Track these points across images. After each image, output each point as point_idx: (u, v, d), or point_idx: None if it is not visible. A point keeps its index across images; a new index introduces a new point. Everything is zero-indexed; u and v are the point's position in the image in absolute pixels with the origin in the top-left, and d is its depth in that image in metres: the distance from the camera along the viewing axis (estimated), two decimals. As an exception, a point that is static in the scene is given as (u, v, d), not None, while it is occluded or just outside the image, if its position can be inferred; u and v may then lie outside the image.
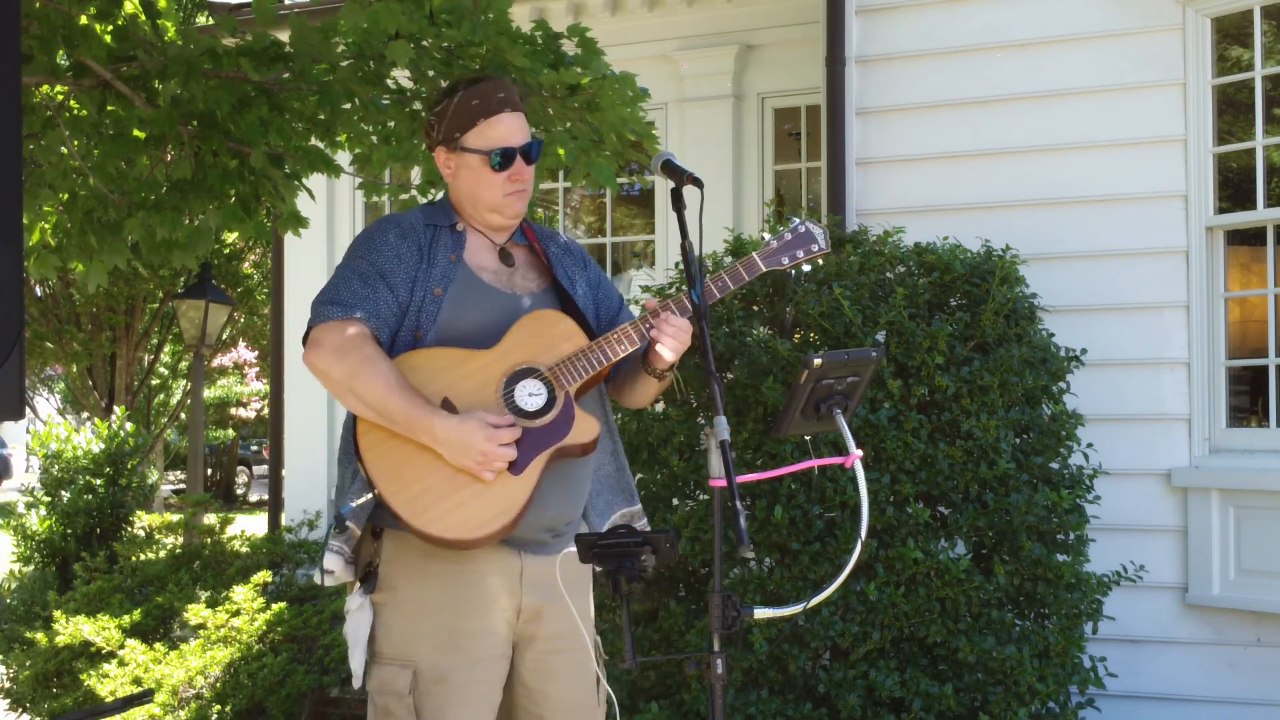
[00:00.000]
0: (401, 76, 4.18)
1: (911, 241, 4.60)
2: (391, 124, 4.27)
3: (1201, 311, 4.97)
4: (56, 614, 5.97)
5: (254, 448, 24.23)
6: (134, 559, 6.72)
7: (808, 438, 3.70)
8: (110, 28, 3.95)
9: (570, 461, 2.54)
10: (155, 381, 17.84)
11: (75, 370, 14.83)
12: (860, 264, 4.43)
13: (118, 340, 14.68)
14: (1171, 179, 5.04)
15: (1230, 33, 5.16)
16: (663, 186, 7.20)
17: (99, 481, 7.77)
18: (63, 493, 7.78)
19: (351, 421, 2.50)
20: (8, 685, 6.16)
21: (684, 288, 4.17)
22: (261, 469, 21.35)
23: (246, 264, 15.64)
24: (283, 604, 5.50)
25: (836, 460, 2.41)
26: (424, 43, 3.96)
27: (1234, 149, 5.09)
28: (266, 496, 9.06)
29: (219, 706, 5.05)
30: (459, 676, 2.47)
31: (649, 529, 2.56)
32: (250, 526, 9.18)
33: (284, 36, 4.02)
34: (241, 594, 5.54)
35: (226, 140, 4.09)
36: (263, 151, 4.07)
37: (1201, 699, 4.94)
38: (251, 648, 5.25)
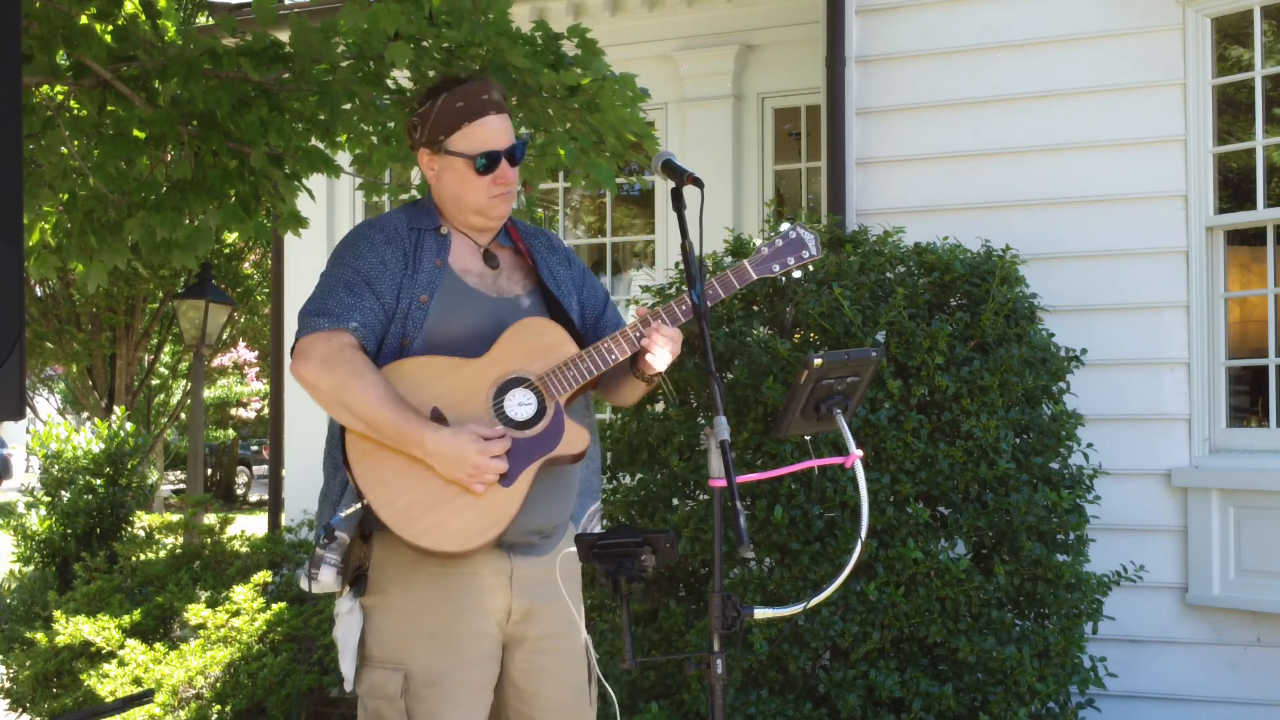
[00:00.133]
0: (401, 77, 4.19)
1: (911, 241, 4.60)
2: (391, 124, 4.27)
3: (1201, 311, 4.97)
4: (56, 614, 5.97)
5: (254, 448, 24.23)
6: (134, 559, 6.72)
7: (808, 438, 3.70)
8: (110, 28, 3.96)
9: (559, 467, 2.54)
10: (155, 381, 17.85)
11: (75, 370, 14.83)
12: (860, 264, 4.43)
13: (118, 340, 14.68)
14: (1171, 179, 5.04)
15: (1230, 33, 5.16)
16: (663, 186, 7.20)
17: (99, 481, 7.77)
18: (63, 493, 7.78)
19: (339, 430, 2.49)
20: (8, 685, 6.16)
21: (684, 288, 4.16)
22: (261, 469, 21.34)
23: (246, 264, 15.64)
24: (283, 604, 5.50)
25: (836, 460, 2.41)
26: (424, 43, 3.96)
27: (1234, 149, 5.09)
28: (266, 496, 9.06)
29: (219, 706, 5.05)
30: (451, 679, 2.46)
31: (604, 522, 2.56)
32: (250, 526, 9.17)
33: (284, 36, 4.02)
34: (241, 594, 5.54)
35: (226, 140, 4.09)
36: (263, 151, 4.07)
37: (1201, 699, 4.94)
38: (251, 648, 5.26)
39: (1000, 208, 5.23)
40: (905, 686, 3.96)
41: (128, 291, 14.06)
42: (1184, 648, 4.98)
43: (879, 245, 4.59)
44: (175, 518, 7.12)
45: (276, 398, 8.07)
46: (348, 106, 4.15)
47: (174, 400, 19.56)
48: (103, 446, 7.91)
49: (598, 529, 2.76)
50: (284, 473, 8.03)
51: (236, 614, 5.46)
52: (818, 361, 2.32)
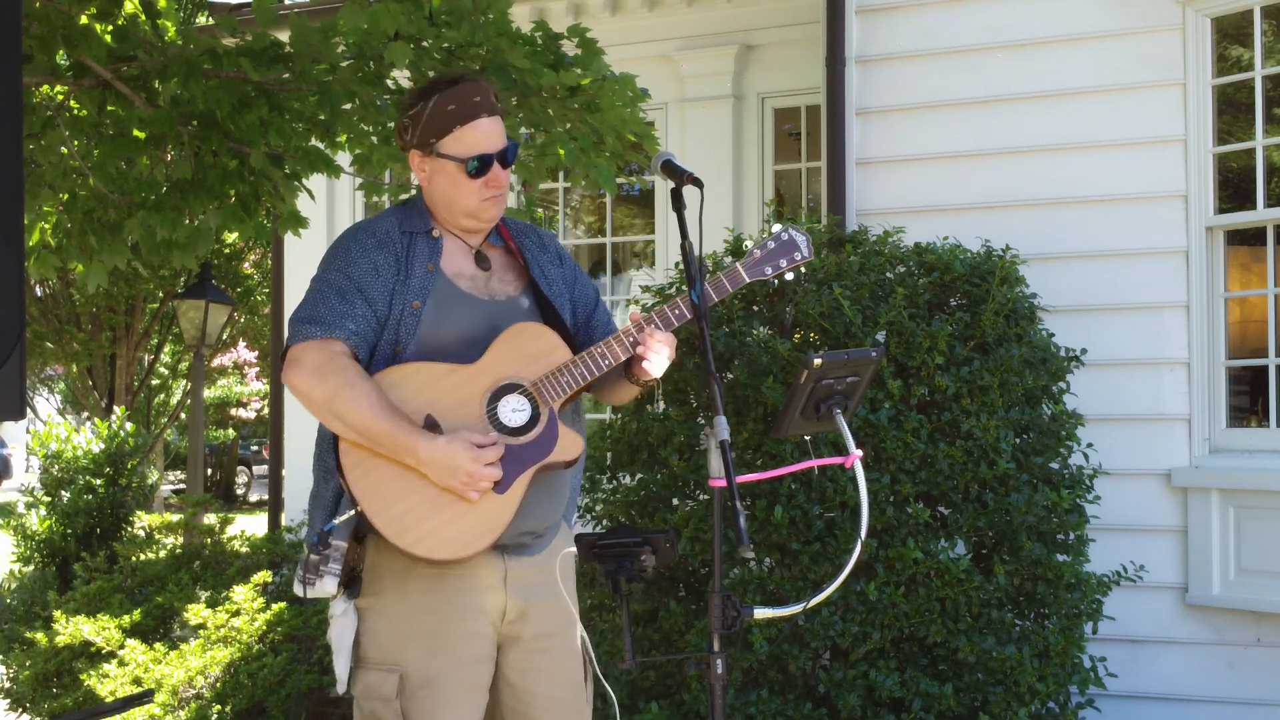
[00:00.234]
0: (401, 77, 4.18)
1: (911, 241, 4.60)
2: (391, 124, 4.26)
3: (1201, 311, 4.97)
4: (56, 614, 5.97)
5: (254, 448, 24.22)
6: (134, 559, 6.72)
7: (808, 438, 3.70)
8: (110, 28, 3.96)
9: (552, 472, 2.55)
10: (155, 381, 17.85)
11: (75, 370, 14.83)
12: (860, 264, 4.43)
13: (118, 340, 14.68)
14: (1171, 179, 5.04)
15: (1230, 33, 5.16)
16: (663, 187, 7.20)
17: (99, 481, 7.78)
18: (63, 493, 7.78)
19: (331, 436, 2.48)
20: (8, 685, 6.16)
21: (684, 287, 4.16)
22: (261, 469, 21.34)
23: (246, 264, 15.64)
24: (283, 604, 5.49)
25: (836, 460, 2.41)
26: (424, 43, 3.96)
27: (1234, 149, 5.08)
28: (266, 496, 9.07)
29: (219, 706, 5.05)
30: (446, 679, 2.47)
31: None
32: (250, 526, 9.17)
33: (284, 36, 4.02)
34: (241, 594, 5.54)
35: (226, 140, 4.09)
36: (263, 152, 4.07)
37: (1201, 699, 4.94)
38: (251, 648, 5.25)
39: (1000, 208, 5.23)
40: (905, 686, 3.96)
41: (128, 291, 14.07)
42: (1184, 648, 4.98)
43: (879, 245, 4.59)
44: (175, 518, 7.12)
45: (276, 398, 8.08)
46: (348, 106, 4.15)
47: (174, 400, 19.57)
48: (103, 446, 7.91)
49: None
50: (284, 473, 8.04)
51: (236, 614, 5.46)
52: (818, 361, 2.32)
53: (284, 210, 4.45)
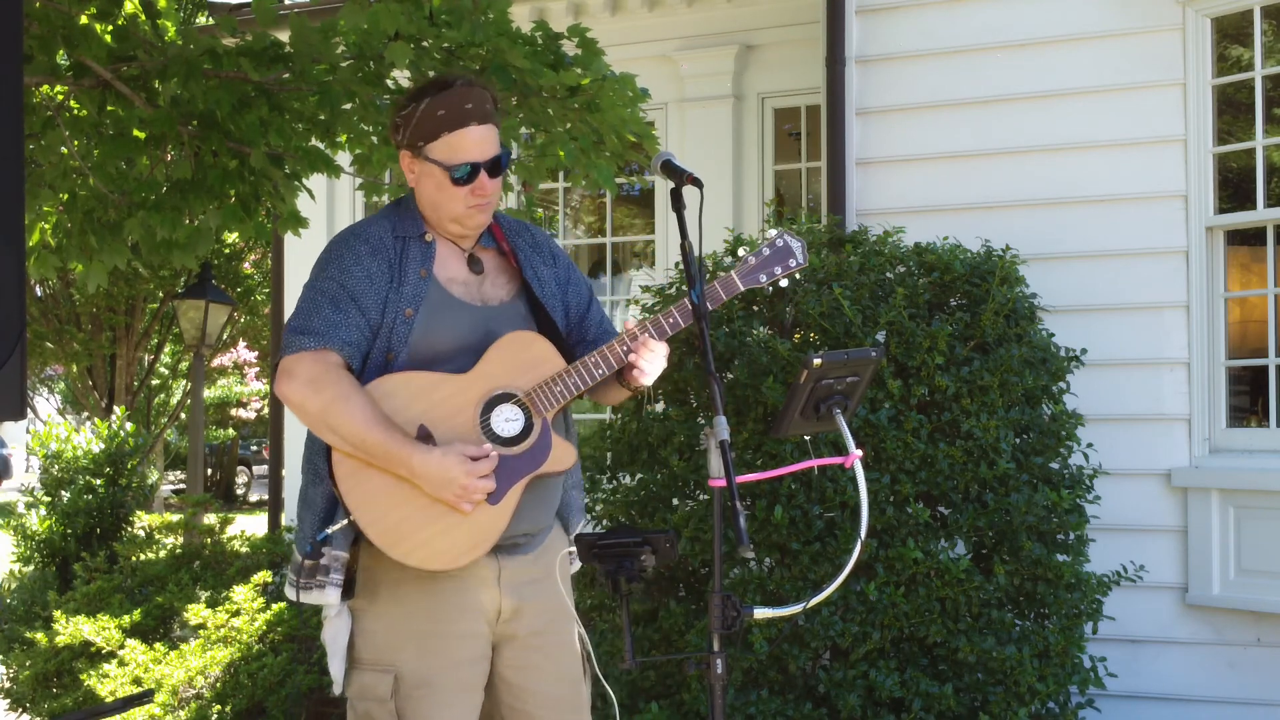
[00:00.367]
0: (401, 77, 4.18)
1: (911, 241, 4.60)
2: (391, 124, 4.26)
3: (1201, 311, 4.97)
4: (56, 614, 5.97)
5: (254, 448, 24.22)
6: (134, 559, 6.72)
7: (808, 438, 3.70)
8: (110, 28, 3.96)
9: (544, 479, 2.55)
10: (155, 381, 17.85)
11: (75, 370, 14.83)
12: (860, 264, 4.43)
13: (118, 340, 14.68)
14: (1171, 179, 5.04)
15: (1230, 33, 5.16)
16: (663, 187, 7.20)
17: (99, 481, 7.77)
18: (63, 493, 7.78)
19: (324, 443, 2.47)
20: (8, 685, 6.16)
21: (683, 288, 4.16)
22: (261, 469, 21.35)
23: (246, 264, 15.64)
24: (283, 604, 5.49)
25: (836, 460, 2.41)
26: (424, 43, 3.96)
27: (1234, 149, 5.08)
28: (266, 496, 9.07)
29: (219, 706, 5.05)
30: (441, 679, 2.47)
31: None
32: (250, 526, 9.18)
33: (284, 36, 4.02)
34: (241, 594, 5.54)
35: (226, 140, 4.09)
36: (263, 152, 4.07)
37: (1201, 699, 4.94)
38: (251, 648, 5.25)
39: (1000, 208, 5.22)
40: (905, 686, 3.96)
41: (128, 291, 14.06)
42: (1184, 648, 4.98)
43: (879, 245, 4.59)
44: (175, 518, 7.12)
45: (276, 398, 8.06)
46: (348, 106, 4.15)
47: (174, 400, 19.56)
48: (103, 446, 7.91)
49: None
50: (284, 473, 8.04)
51: (236, 614, 5.46)
52: (817, 361, 2.32)
53: (284, 210, 4.45)
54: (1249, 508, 4.84)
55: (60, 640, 5.71)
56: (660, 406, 4.44)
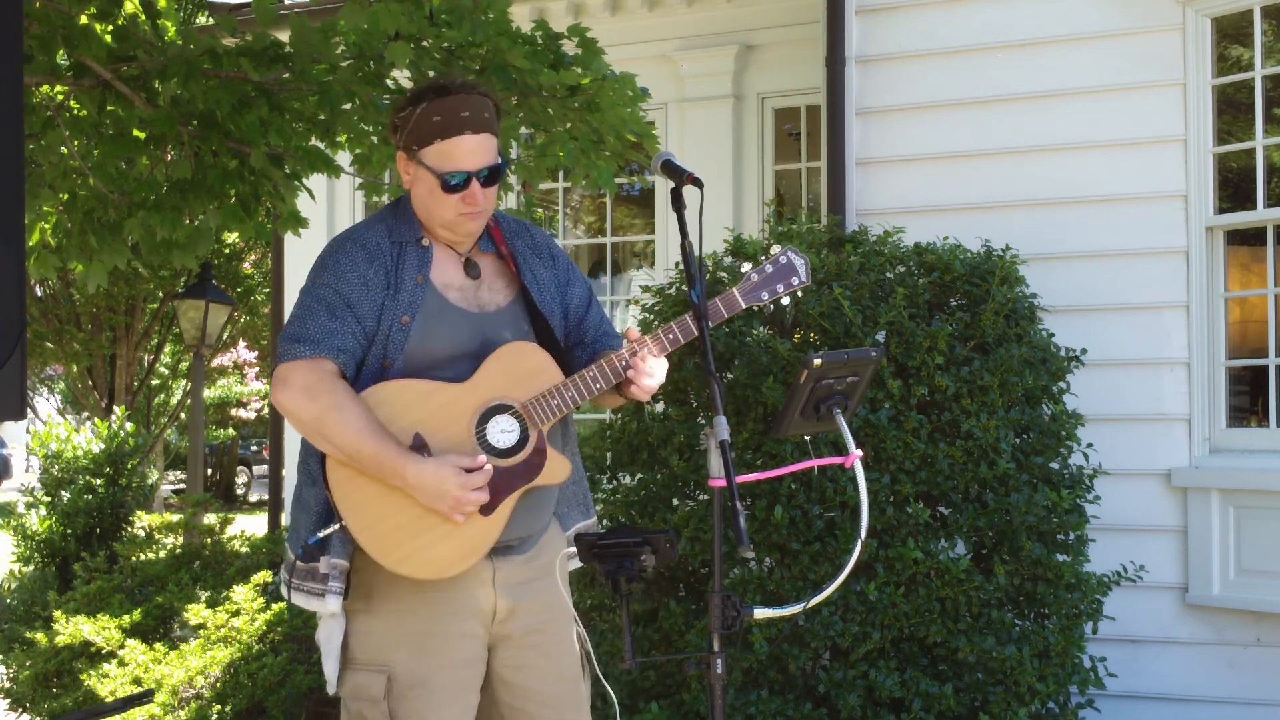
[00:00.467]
0: (402, 77, 4.18)
1: (911, 241, 4.60)
2: (392, 124, 4.26)
3: (1201, 311, 4.97)
4: (56, 614, 5.96)
5: (254, 448, 24.23)
6: (134, 559, 6.71)
7: (808, 438, 3.70)
8: (110, 28, 3.96)
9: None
10: (155, 381, 17.85)
11: (75, 370, 14.83)
12: (860, 264, 4.43)
13: (118, 340, 14.68)
14: (1171, 179, 5.04)
15: (1230, 33, 5.16)
16: (663, 186, 7.20)
17: (99, 481, 7.77)
18: (63, 493, 7.77)
19: (320, 452, 2.46)
20: (8, 685, 6.16)
21: (684, 287, 4.16)
22: (261, 469, 21.36)
23: (246, 264, 15.64)
24: (283, 604, 5.48)
25: (836, 460, 2.41)
26: (424, 43, 3.96)
27: (1234, 149, 5.09)
28: (266, 496, 9.07)
29: (219, 706, 5.05)
30: (436, 680, 2.47)
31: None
32: (250, 526, 9.17)
33: (284, 36, 4.02)
34: (241, 594, 5.53)
35: (226, 140, 4.09)
36: (263, 151, 4.07)
37: (1201, 699, 4.94)
38: (251, 648, 5.25)
39: (1000, 208, 5.23)
40: (905, 686, 3.96)
41: (128, 291, 14.06)
42: (1184, 648, 4.98)
43: (879, 245, 4.59)
44: (175, 518, 7.11)
45: (276, 399, 8.06)
46: (348, 106, 4.15)
47: (174, 400, 19.56)
48: (103, 446, 7.91)
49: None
50: (284, 473, 8.04)
51: (236, 614, 5.46)
52: (817, 361, 2.32)
53: (284, 210, 4.45)
54: (1249, 508, 4.84)
55: (60, 640, 5.71)
56: (660, 406, 4.44)
